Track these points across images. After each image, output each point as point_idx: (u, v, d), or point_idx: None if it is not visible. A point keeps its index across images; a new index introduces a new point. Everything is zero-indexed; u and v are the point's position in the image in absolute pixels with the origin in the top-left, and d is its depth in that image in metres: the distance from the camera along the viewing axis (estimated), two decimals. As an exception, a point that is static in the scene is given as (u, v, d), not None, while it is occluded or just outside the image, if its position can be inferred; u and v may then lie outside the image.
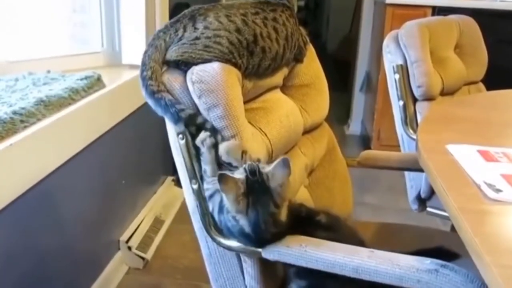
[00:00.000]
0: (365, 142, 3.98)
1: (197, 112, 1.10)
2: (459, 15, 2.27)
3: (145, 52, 1.15)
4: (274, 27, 1.24)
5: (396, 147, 1.97)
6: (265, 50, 1.22)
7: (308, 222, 1.11)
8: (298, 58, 1.40)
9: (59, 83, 1.70)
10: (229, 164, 1.06)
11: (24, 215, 1.45)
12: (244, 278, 1.16)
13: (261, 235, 1.02)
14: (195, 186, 1.12)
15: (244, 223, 1.00)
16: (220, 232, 1.11)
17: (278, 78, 1.38)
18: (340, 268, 0.98)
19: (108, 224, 2.12)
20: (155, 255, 2.31)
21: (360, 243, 1.12)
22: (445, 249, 1.22)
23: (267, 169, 1.01)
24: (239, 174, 1.00)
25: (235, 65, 1.15)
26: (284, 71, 1.40)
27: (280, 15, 1.27)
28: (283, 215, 1.03)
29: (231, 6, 1.22)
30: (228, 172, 0.99)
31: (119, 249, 2.20)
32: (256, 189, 0.99)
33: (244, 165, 1.02)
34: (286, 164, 1.00)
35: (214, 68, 1.11)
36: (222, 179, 0.96)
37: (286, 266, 1.11)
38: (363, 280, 0.96)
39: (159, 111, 1.10)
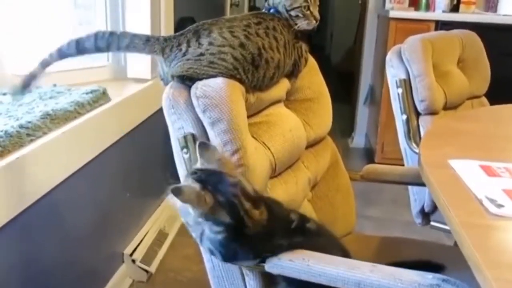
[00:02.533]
0: (369, 155, 3.98)
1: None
2: (462, 29, 2.28)
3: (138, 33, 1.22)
4: (274, 36, 1.26)
5: (400, 161, 1.97)
6: (268, 61, 1.23)
7: (298, 231, 1.11)
8: (293, 71, 1.40)
9: (65, 96, 1.72)
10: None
11: (29, 228, 1.45)
12: (247, 291, 1.17)
13: (242, 220, 1.00)
14: (199, 200, 1.13)
15: (222, 214, 0.99)
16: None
17: (280, 90, 1.39)
18: (343, 282, 0.98)
19: (112, 236, 2.13)
20: (159, 268, 2.31)
21: (343, 251, 1.15)
22: (430, 262, 1.24)
23: (199, 163, 1.04)
24: (187, 183, 1.02)
25: (239, 80, 1.17)
26: (286, 83, 1.42)
27: (277, 24, 1.29)
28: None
29: (233, 19, 1.24)
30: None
31: (123, 262, 2.20)
32: (207, 179, 1.00)
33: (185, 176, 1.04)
34: (205, 145, 1.06)
35: (218, 83, 1.12)
36: (176, 191, 0.96)
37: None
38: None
39: None
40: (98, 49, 1.22)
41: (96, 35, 1.21)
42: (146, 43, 1.20)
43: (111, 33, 1.21)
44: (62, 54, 1.25)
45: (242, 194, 1.01)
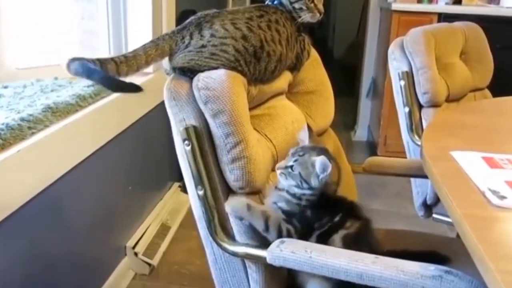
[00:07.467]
0: (372, 148, 3.98)
1: None
2: (465, 21, 2.27)
3: (143, 44, 1.19)
4: (277, 29, 1.26)
5: (403, 153, 1.96)
6: (270, 54, 1.23)
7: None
8: (296, 64, 1.40)
9: (66, 90, 1.71)
10: (240, 219, 1.11)
11: (31, 221, 1.46)
12: (249, 284, 1.17)
13: None
14: (201, 193, 1.13)
15: None
16: (227, 237, 1.12)
17: (282, 83, 1.39)
18: (345, 274, 0.98)
19: (114, 229, 2.13)
20: (161, 261, 2.32)
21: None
22: (437, 253, 1.24)
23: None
24: None
25: (241, 72, 1.16)
26: (289, 75, 1.41)
27: (280, 17, 1.29)
28: None
29: (236, 11, 1.23)
30: None
31: (125, 254, 2.20)
32: None
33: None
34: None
35: (220, 74, 1.12)
36: None
37: None
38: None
39: None
40: (119, 75, 1.17)
41: (114, 61, 1.16)
42: (157, 48, 1.18)
43: (125, 56, 1.16)
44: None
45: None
